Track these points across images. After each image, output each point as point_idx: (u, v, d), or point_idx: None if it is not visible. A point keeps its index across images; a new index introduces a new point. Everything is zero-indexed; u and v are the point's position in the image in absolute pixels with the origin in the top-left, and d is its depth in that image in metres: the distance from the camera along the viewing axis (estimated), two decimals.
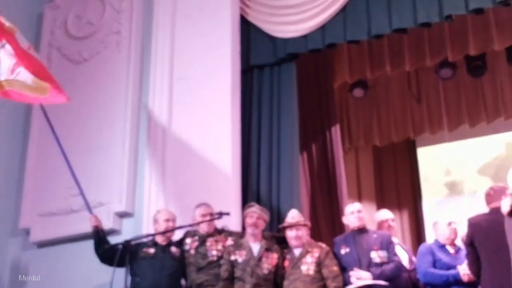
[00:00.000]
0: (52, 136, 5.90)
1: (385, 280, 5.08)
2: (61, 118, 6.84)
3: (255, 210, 5.29)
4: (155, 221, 5.47)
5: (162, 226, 5.38)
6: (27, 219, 6.68)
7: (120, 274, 4.82)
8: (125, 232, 6.05)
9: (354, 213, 5.42)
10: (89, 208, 5.61)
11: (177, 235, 5.55)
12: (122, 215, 6.29)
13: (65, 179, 6.49)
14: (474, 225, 4.84)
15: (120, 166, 6.39)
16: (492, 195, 4.88)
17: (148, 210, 6.09)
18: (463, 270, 5.00)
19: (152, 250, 5.32)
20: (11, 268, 6.63)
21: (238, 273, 5.10)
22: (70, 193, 6.43)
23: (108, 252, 5.23)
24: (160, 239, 5.39)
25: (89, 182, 6.44)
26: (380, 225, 5.80)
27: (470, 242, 4.85)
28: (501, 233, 4.42)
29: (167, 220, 5.40)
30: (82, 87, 6.85)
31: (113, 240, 5.59)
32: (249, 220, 5.26)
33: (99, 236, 5.45)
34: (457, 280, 5.03)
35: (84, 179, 6.44)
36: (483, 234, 4.70)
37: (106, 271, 5.27)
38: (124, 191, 6.29)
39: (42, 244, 6.59)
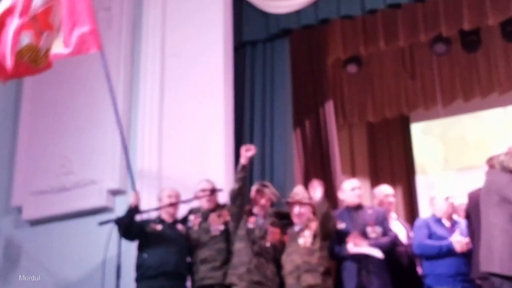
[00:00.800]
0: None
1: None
2: (52, 95, 6.82)
3: (267, 191, 5.34)
4: (159, 199, 5.46)
5: (166, 204, 5.39)
6: (19, 197, 6.66)
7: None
8: (118, 210, 6.03)
9: (354, 190, 5.43)
10: (133, 184, 5.44)
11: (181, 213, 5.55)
12: (115, 192, 6.27)
13: (57, 156, 6.49)
14: (470, 198, 4.99)
15: (112, 143, 6.33)
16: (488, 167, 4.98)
17: (141, 187, 6.05)
18: (455, 240, 5.03)
19: (159, 227, 5.30)
20: (4, 246, 6.64)
21: (241, 232, 5.16)
22: (63, 171, 6.43)
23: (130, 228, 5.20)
24: (166, 216, 5.38)
25: (81, 159, 6.45)
26: (381, 200, 5.80)
27: (467, 215, 5.01)
28: None
29: (170, 196, 5.40)
30: (73, 64, 6.78)
31: (105, 217, 5.53)
32: (259, 199, 5.31)
33: (133, 215, 5.30)
34: (450, 250, 5.07)
35: (75, 157, 6.45)
36: (476, 207, 4.73)
37: (99, 248, 5.27)
38: (117, 169, 6.26)
39: (35, 222, 6.59)
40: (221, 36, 6.49)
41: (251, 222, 5.21)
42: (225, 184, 5.68)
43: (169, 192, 5.44)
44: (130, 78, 6.68)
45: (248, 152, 5.19)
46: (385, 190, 5.96)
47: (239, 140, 6.44)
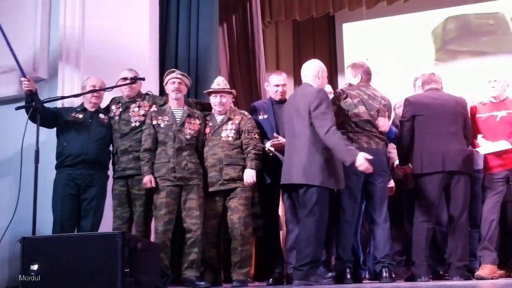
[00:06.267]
0: None
1: None
2: None
3: (176, 75, 5.24)
4: (83, 88, 5.38)
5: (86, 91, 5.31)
6: None
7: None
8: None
9: (279, 86, 5.48)
10: (22, 71, 5.19)
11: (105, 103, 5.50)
12: (36, 80, 6.10)
13: None
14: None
15: (32, 30, 6.12)
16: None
17: (62, 75, 5.95)
18: None
19: (80, 116, 5.27)
20: None
21: (160, 137, 5.14)
22: None
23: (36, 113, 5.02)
24: (88, 105, 5.33)
25: (0, 46, 6.22)
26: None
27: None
28: None
29: (94, 86, 5.31)
30: None
31: None
32: (170, 86, 5.22)
33: (32, 98, 5.14)
34: None
35: None
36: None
37: (19, 135, 5.21)
38: (38, 56, 6.09)
39: None
40: None
41: (165, 121, 5.15)
42: (150, 73, 5.66)
43: (93, 82, 5.36)
44: None
45: None
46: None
47: (165, 32, 6.38)
